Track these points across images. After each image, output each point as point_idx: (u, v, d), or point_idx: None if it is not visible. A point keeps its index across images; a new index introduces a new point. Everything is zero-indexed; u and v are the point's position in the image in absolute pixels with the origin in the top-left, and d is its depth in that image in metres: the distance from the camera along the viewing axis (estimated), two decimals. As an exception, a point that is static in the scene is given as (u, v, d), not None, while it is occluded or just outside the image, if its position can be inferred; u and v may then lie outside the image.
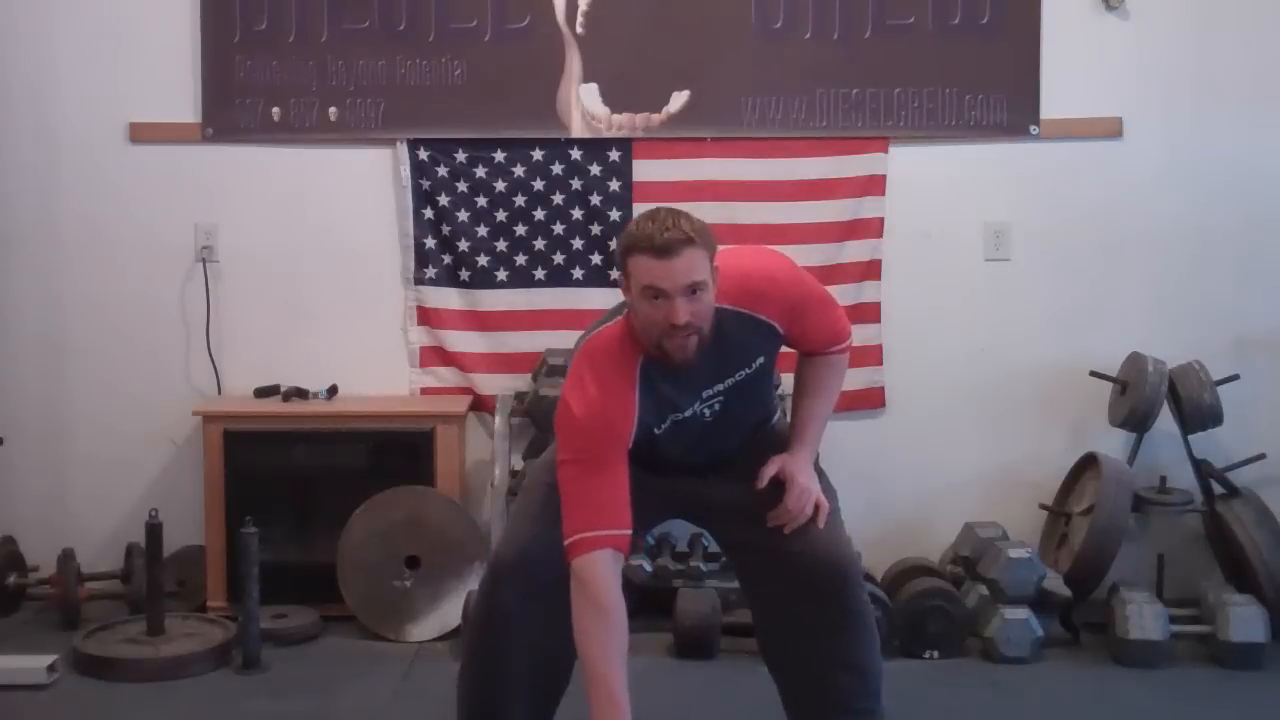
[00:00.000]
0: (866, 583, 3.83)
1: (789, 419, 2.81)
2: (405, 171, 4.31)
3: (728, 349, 2.57)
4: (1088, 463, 4.14)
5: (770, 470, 2.65)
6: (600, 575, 2.45)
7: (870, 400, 4.35)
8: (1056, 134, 4.26)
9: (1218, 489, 4.11)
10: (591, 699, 2.45)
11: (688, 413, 2.59)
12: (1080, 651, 3.91)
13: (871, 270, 4.29)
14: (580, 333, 2.73)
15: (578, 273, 4.31)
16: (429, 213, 4.32)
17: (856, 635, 2.65)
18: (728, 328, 2.55)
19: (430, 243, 4.33)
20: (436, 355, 4.37)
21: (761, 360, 2.62)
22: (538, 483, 2.75)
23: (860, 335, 4.29)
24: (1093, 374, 4.20)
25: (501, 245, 4.33)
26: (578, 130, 4.28)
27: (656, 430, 2.57)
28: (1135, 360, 4.10)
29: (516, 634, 2.63)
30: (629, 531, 2.49)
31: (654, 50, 4.25)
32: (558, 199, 4.31)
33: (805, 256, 4.15)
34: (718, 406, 2.61)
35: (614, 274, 4.20)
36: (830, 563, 2.63)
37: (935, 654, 3.83)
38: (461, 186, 4.32)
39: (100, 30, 4.29)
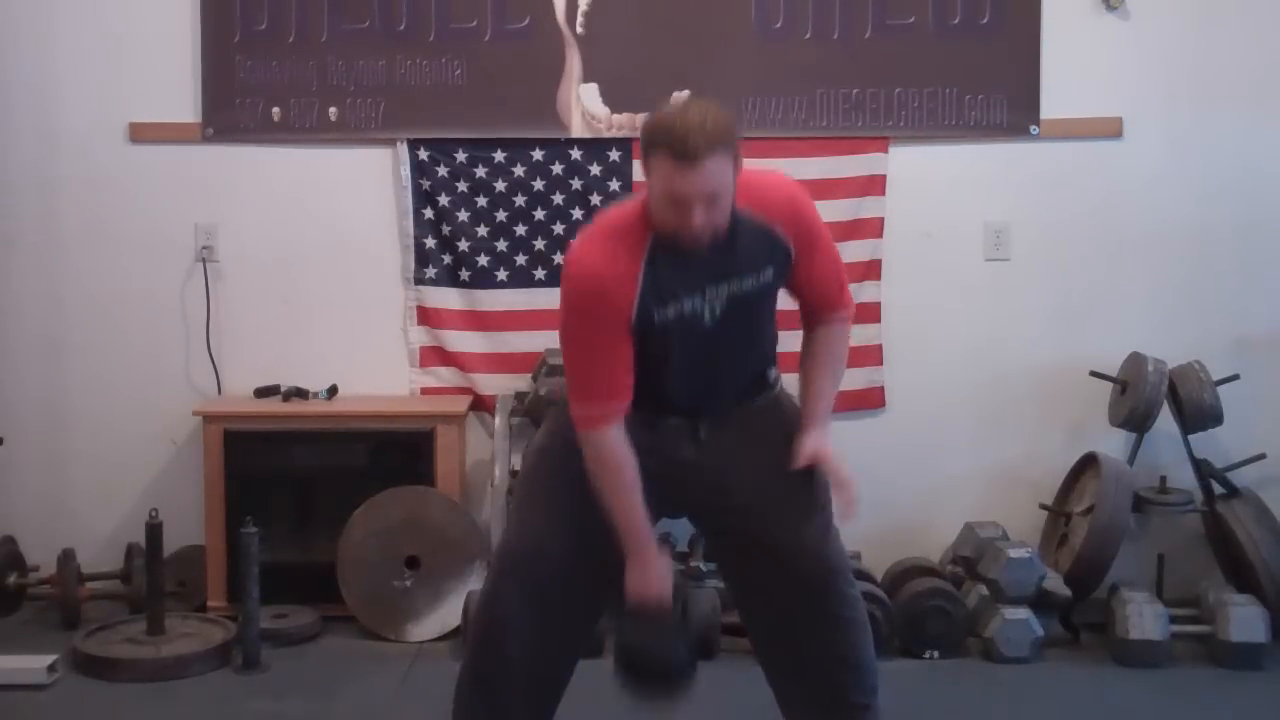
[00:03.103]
0: (866, 582, 3.87)
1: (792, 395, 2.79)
2: (405, 171, 4.31)
3: (738, 250, 2.53)
4: (1088, 463, 4.14)
5: (806, 456, 2.62)
6: (612, 444, 2.54)
7: (870, 400, 4.35)
8: (1056, 134, 4.26)
9: (1218, 489, 4.11)
10: (621, 534, 2.58)
11: (688, 306, 2.53)
12: (1080, 651, 3.91)
13: (872, 270, 4.29)
14: None
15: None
16: (429, 213, 4.32)
17: (849, 633, 2.65)
18: (742, 230, 2.52)
19: (430, 243, 4.33)
20: (436, 355, 4.37)
21: (770, 274, 2.57)
22: (533, 473, 2.75)
23: (860, 335, 4.31)
24: (1093, 374, 4.20)
25: (501, 245, 4.33)
26: (578, 130, 4.28)
27: (656, 317, 2.51)
28: (1135, 360, 4.10)
29: (518, 634, 2.62)
30: (630, 399, 2.55)
31: (654, 50, 4.25)
32: (558, 199, 4.31)
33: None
34: (719, 311, 2.54)
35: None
36: (820, 561, 2.63)
37: (935, 654, 3.83)
38: (461, 186, 4.32)
39: (100, 30, 4.29)
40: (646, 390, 2.58)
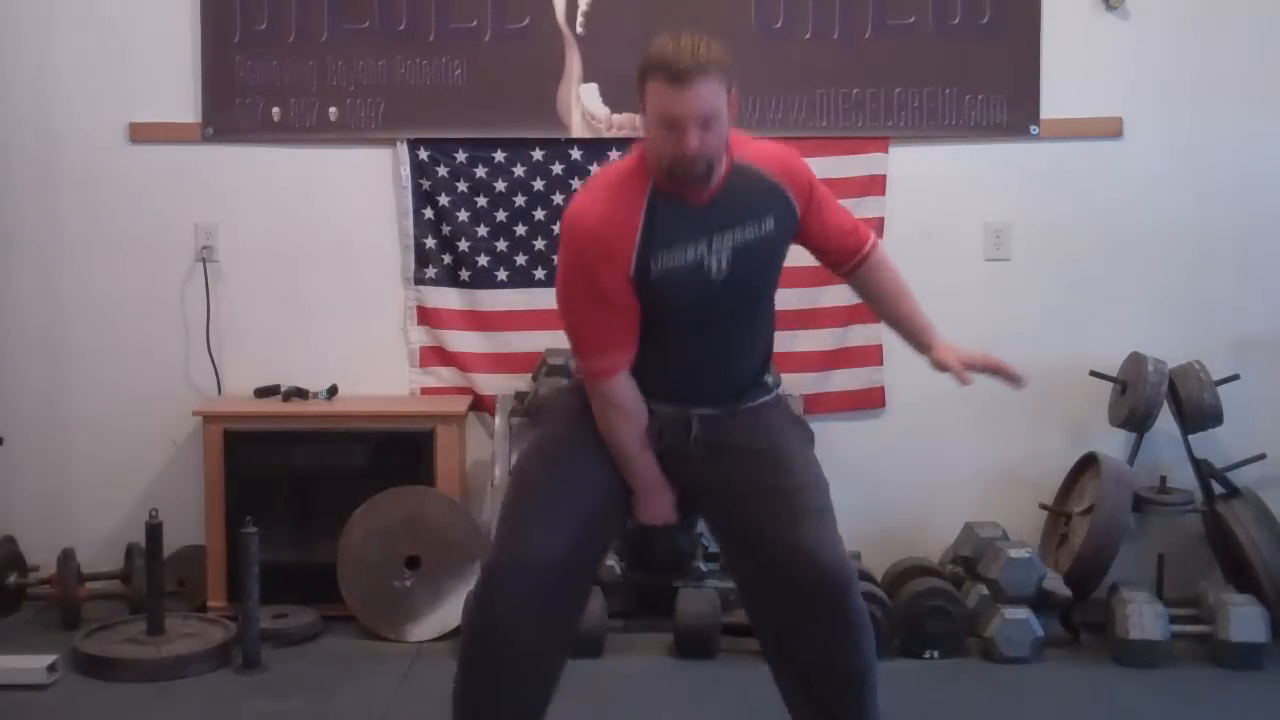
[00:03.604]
0: (866, 582, 3.87)
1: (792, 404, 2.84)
2: (405, 171, 4.31)
3: (739, 198, 2.55)
4: (1088, 463, 4.14)
5: (958, 366, 2.71)
6: (621, 390, 2.60)
7: (870, 400, 4.35)
8: (1056, 134, 4.26)
9: (1218, 489, 4.11)
10: (631, 476, 2.66)
11: (692, 255, 2.53)
12: (1080, 651, 3.91)
13: (872, 270, 4.29)
14: None
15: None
16: (429, 213, 4.32)
17: (852, 636, 2.64)
18: (742, 179, 2.55)
19: (430, 243, 4.34)
20: (436, 355, 4.37)
21: (771, 224, 2.59)
22: (517, 481, 2.75)
23: (860, 335, 4.32)
24: (1093, 374, 4.20)
25: (501, 245, 4.33)
26: (578, 130, 4.28)
27: (656, 264, 2.51)
28: (1135, 360, 4.10)
29: (511, 642, 2.62)
30: (635, 349, 2.58)
31: (654, 50, 4.24)
32: (558, 199, 4.30)
33: (805, 256, 4.14)
34: (724, 263, 2.55)
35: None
36: (827, 566, 2.60)
37: (935, 654, 3.83)
38: (461, 186, 4.32)
39: (100, 30, 4.29)
40: (645, 366, 2.59)
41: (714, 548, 3.84)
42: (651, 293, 2.54)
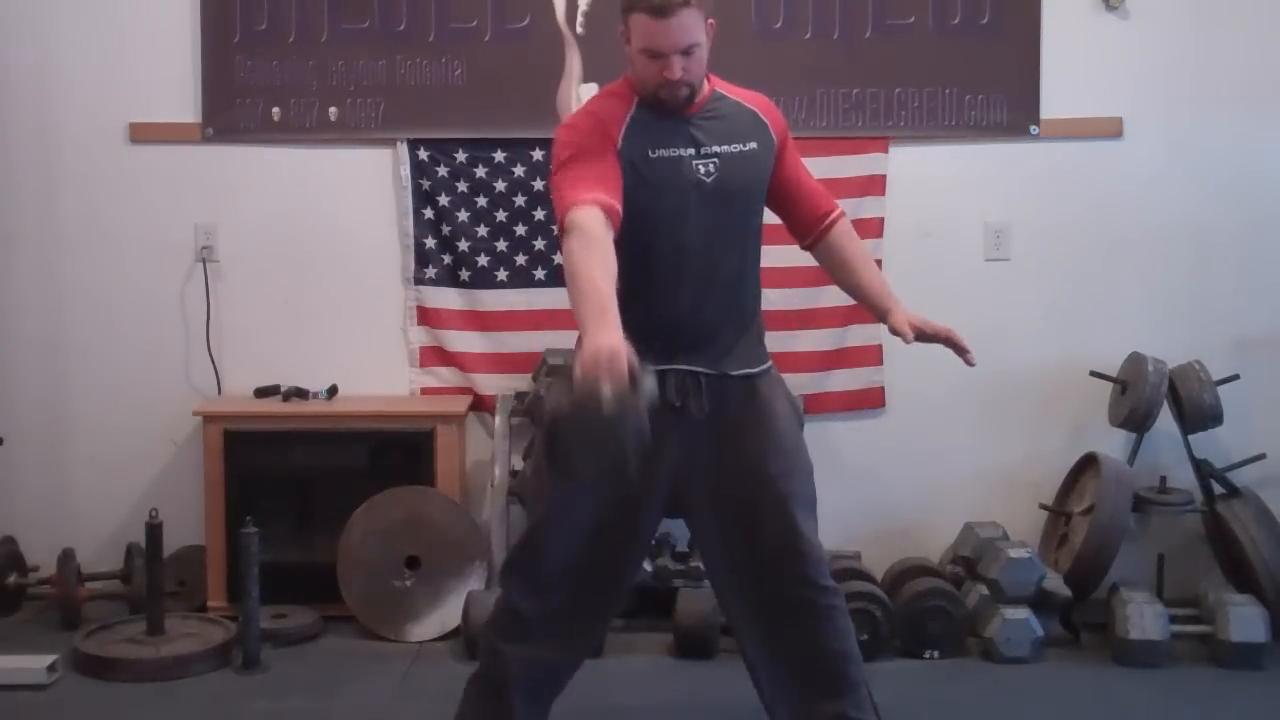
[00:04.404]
0: (866, 582, 3.87)
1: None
2: (405, 171, 4.31)
3: (722, 119, 2.70)
4: (1088, 463, 4.14)
5: (906, 328, 2.78)
6: (591, 218, 2.48)
7: (870, 400, 4.35)
8: (1056, 134, 4.26)
9: (1218, 489, 4.11)
10: (579, 304, 2.39)
11: (678, 154, 2.64)
12: (1080, 651, 3.91)
13: (871, 270, 4.29)
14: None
15: None
16: (429, 213, 4.32)
17: (834, 621, 2.68)
18: (724, 105, 2.73)
19: (430, 243, 4.34)
20: (436, 355, 4.37)
21: (754, 146, 2.71)
22: (537, 520, 2.76)
23: (860, 335, 4.32)
24: (1093, 374, 4.20)
25: (501, 245, 4.33)
26: (578, 130, 4.28)
27: (650, 154, 2.61)
28: (1135, 360, 4.10)
29: (540, 630, 2.69)
30: (618, 205, 2.54)
31: (654, 50, 4.24)
32: (558, 199, 4.30)
33: (805, 256, 4.14)
34: (713, 169, 2.65)
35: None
36: (810, 553, 2.67)
37: (935, 654, 3.83)
38: (461, 186, 4.32)
39: (100, 30, 4.29)
40: (645, 306, 2.58)
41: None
42: (642, 174, 2.61)
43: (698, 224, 2.64)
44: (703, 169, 2.64)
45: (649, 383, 2.29)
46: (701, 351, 2.68)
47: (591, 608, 2.75)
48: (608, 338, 2.27)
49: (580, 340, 2.37)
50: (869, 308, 2.92)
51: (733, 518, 2.69)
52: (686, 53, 2.57)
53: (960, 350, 2.80)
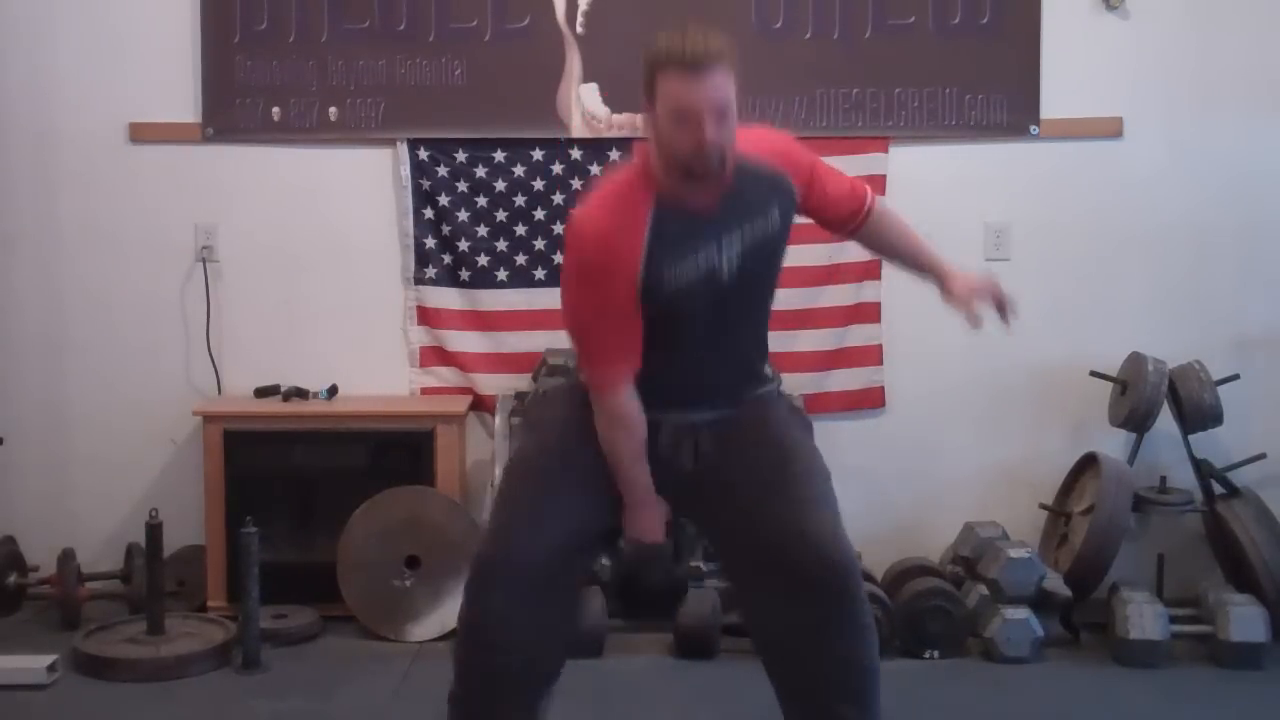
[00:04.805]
0: (866, 582, 3.86)
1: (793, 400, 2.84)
2: (405, 171, 4.31)
3: (745, 196, 2.54)
4: (1088, 463, 4.14)
5: (968, 290, 2.72)
6: (624, 402, 2.58)
7: (870, 400, 4.35)
8: (1056, 134, 4.26)
9: (1218, 489, 4.11)
10: (625, 487, 2.64)
11: (703, 260, 2.53)
12: (1080, 651, 3.91)
13: (871, 270, 4.29)
14: None
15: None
16: (429, 213, 4.32)
17: (853, 630, 2.60)
18: (744, 175, 2.53)
19: (430, 243, 4.33)
20: (436, 355, 4.37)
21: (776, 215, 2.60)
22: (515, 473, 2.74)
23: (860, 335, 4.32)
24: (1093, 374, 4.20)
25: (501, 245, 4.33)
26: (578, 130, 4.28)
27: (667, 274, 2.51)
28: (1135, 360, 4.10)
29: (507, 637, 2.60)
30: (640, 356, 2.56)
31: (654, 50, 4.24)
32: (558, 199, 4.30)
33: (805, 256, 4.16)
34: (734, 263, 2.55)
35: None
36: (827, 556, 2.56)
37: (935, 654, 3.83)
38: (461, 186, 4.32)
39: (100, 30, 4.29)
40: (651, 370, 2.58)
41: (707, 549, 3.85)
42: (662, 303, 2.53)
43: (713, 309, 2.59)
44: (726, 266, 2.55)
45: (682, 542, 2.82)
46: (701, 404, 2.68)
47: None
48: (651, 525, 2.68)
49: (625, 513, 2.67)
50: (922, 277, 2.85)
51: (748, 529, 2.64)
52: (721, 114, 2.40)
53: (1005, 312, 2.76)
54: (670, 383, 2.64)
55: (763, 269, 2.64)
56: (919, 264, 2.83)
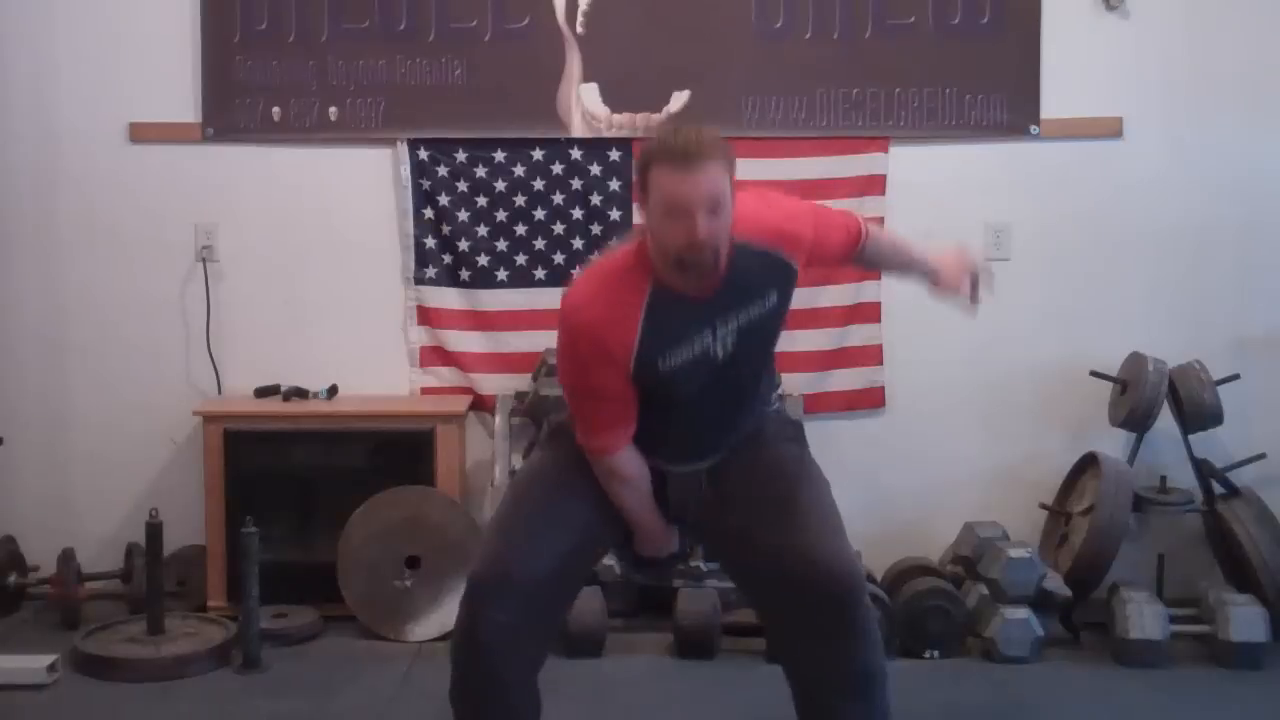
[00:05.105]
0: (866, 582, 3.86)
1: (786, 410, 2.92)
2: (405, 171, 4.31)
3: (742, 282, 2.54)
4: (1088, 462, 4.14)
5: (949, 265, 2.82)
6: (626, 464, 2.63)
7: (870, 400, 4.35)
8: (1056, 134, 4.26)
9: (1218, 489, 4.11)
10: (636, 527, 2.72)
11: (698, 347, 2.55)
12: (1080, 651, 3.91)
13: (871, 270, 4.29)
14: None
15: (578, 273, 4.30)
16: (429, 213, 4.32)
17: (856, 641, 2.61)
18: (742, 262, 2.53)
19: (430, 242, 4.34)
20: (437, 355, 4.37)
21: (774, 298, 2.60)
22: (518, 491, 2.76)
23: (860, 335, 4.32)
24: (1093, 374, 4.20)
25: (501, 245, 4.33)
26: (578, 130, 4.28)
27: (661, 365, 2.53)
28: (1135, 360, 4.10)
29: (504, 653, 2.60)
30: (634, 427, 2.62)
31: (654, 50, 4.25)
32: (558, 199, 4.31)
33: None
34: (730, 345, 2.56)
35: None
36: (829, 569, 2.57)
37: (935, 654, 3.83)
38: (461, 186, 4.32)
39: (100, 30, 4.29)
40: (651, 434, 2.61)
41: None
42: (656, 385, 2.56)
43: (709, 383, 2.61)
44: (720, 349, 2.56)
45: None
46: (706, 455, 2.71)
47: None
48: (663, 545, 2.79)
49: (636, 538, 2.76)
50: (917, 280, 2.94)
51: (755, 548, 2.66)
52: (713, 209, 2.40)
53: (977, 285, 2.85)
54: (672, 442, 2.68)
55: (758, 345, 2.66)
56: (909, 271, 2.91)
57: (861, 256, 2.83)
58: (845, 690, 2.63)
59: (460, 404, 4.25)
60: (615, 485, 2.65)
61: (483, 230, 4.33)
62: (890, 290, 4.29)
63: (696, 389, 2.60)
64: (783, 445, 2.78)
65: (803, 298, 4.19)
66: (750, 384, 2.72)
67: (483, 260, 4.33)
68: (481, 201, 4.32)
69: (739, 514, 2.66)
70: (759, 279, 2.57)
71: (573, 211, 4.31)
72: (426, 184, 4.31)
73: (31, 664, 3.60)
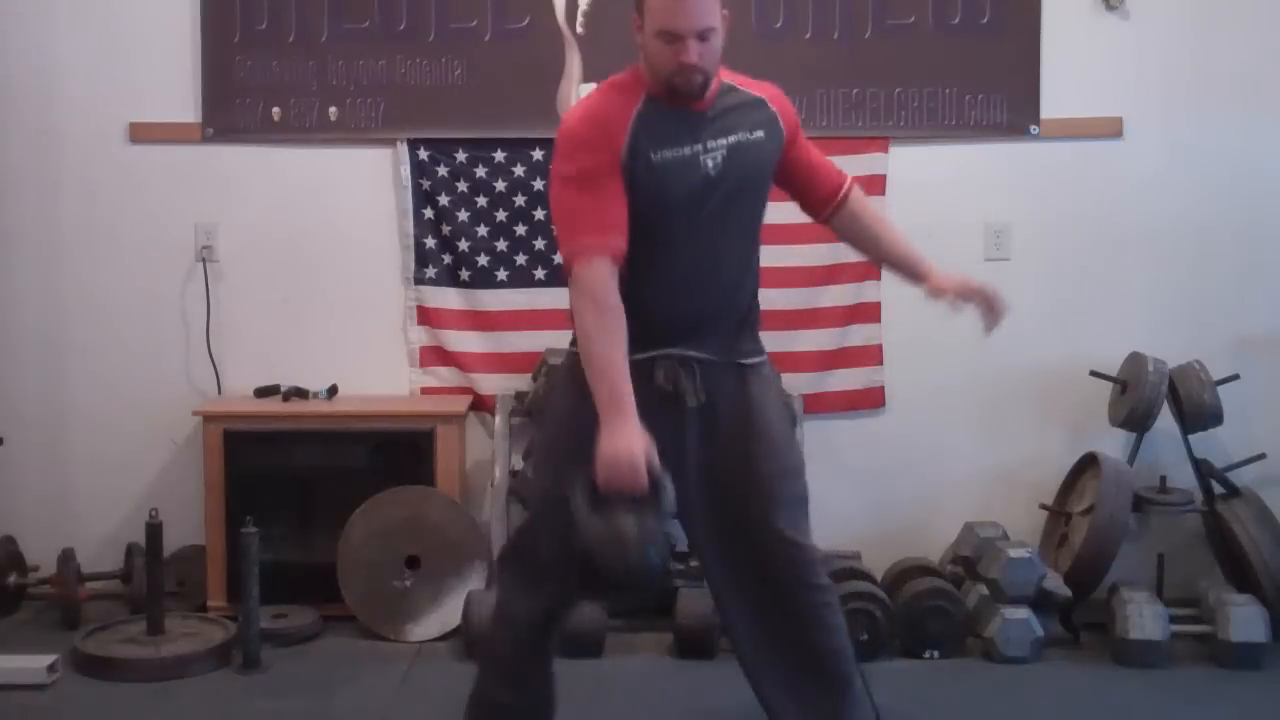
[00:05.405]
0: (866, 582, 3.87)
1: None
2: (405, 171, 4.31)
3: (730, 110, 2.67)
4: (1088, 463, 4.14)
5: (954, 287, 2.82)
6: (600, 278, 2.52)
7: (870, 400, 4.35)
8: (1056, 134, 4.27)
9: (1218, 489, 4.11)
10: (596, 388, 2.50)
11: (686, 151, 2.61)
12: (1080, 651, 3.91)
13: (871, 270, 4.28)
14: None
15: None
16: (429, 213, 4.33)
17: (824, 619, 2.69)
18: (734, 96, 2.69)
19: (430, 243, 4.34)
20: (436, 355, 4.37)
21: (761, 136, 2.69)
22: (549, 468, 2.78)
23: (860, 335, 4.32)
24: (1093, 374, 4.20)
25: (501, 245, 4.33)
26: (578, 130, 4.27)
27: (653, 156, 2.58)
28: (1135, 360, 4.10)
29: (532, 674, 2.76)
30: (624, 243, 2.55)
31: (654, 50, 4.24)
32: (558, 199, 4.30)
33: (805, 256, 4.17)
34: (720, 160, 2.63)
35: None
36: (798, 552, 2.68)
37: (935, 654, 3.83)
38: (461, 186, 4.32)
39: (100, 30, 4.29)
40: (643, 288, 2.58)
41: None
42: (647, 181, 2.58)
43: (701, 215, 2.63)
44: (710, 163, 2.62)
45: (668, 492, 2.42)
46: (697, 339, 2.68)
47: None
48: (626, 440, 2.42)
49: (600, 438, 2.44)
50: (903, 273, 2.91)
51: (724, 517, 2.70)
52: (703, 37, 2.55)
53: (989, 308, 2.86)
54: (661, 311, 2.63)
55: (746, 175, 2.68)
56: (899, 258, 2.90)
57: (845, 210, 2.87)
58: (823, 684, 2.69)
59: (460, 404, 4.25)
60: (590, 317, 2.51)
61: (483, 230, 4.33)
62: (890, 290, 4.29)
63: (687, 215, 2.62)
64: (784, 425, 2.81)
65: (803, 298, 4.22)
66: (742, 246, 2.72)
67: (483, 260, 4.33)
68: (481, 201, 4.32)
69: (727, 485, 2.68)
70: (748, 114, 2.69)
71: (573, 211, 4.31)
72: (426, 184, 4.31)
73: (31, 664, 3.60)
